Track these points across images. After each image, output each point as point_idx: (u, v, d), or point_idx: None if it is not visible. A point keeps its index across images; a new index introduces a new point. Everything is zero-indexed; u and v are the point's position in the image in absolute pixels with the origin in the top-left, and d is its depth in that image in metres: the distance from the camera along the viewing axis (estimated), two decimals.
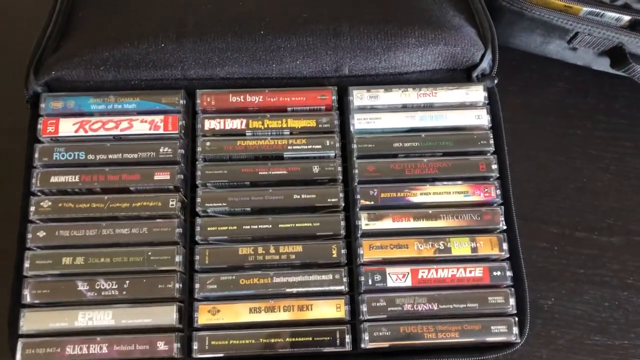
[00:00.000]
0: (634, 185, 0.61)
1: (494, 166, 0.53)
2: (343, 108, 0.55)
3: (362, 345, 0.49)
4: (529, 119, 0.63)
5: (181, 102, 0.53)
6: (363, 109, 0.54)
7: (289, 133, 0.53)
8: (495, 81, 0.55)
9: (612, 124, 0.64)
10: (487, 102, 0.54)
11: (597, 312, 0.57)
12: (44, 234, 0.50)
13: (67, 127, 0.52)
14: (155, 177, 0.51)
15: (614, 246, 0.59)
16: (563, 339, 0.57)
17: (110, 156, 0.52)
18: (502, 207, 0.52)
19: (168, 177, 0.51)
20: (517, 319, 0.50)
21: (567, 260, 0.59)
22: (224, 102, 0.53)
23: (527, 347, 0.53)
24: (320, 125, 0.53)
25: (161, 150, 0.52)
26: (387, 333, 0.49)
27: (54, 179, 0.51)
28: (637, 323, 0.57)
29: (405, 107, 0.54)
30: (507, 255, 0.51)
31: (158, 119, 0.52)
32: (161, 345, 0.48)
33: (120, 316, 0.48)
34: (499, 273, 0.50)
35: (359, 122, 0.53)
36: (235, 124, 0.53)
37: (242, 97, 0.53)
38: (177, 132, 0.52)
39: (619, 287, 0.58)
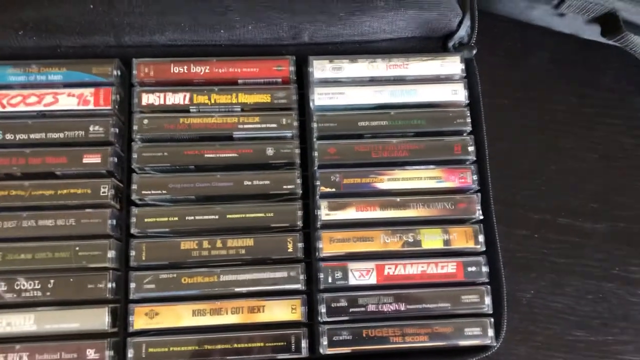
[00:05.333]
0: (621, 167, 0.59)
1: (471, 148, 0.50)
2: (302, 81, 0.52)
3: (321, 351, 0.46)
4: (509, 94, 0.60)
5: (115, 72, 0.50)
6: (325, 83, 0.51)
7: (239, 110, 0.50)
8: (474, 51, 0.53)
9: (600, 99, 0.61)
10: (464, 75, 0.52)
11: (579, 305, 0.55)
12: None
13: None
14: (85, 160, 0.48)
15: (598, 233, 0.57)
16: (542, 335, 0.55)
17: (32, 136, 0.48)
18: (479, 194, 0.50)
19: (99, 160, 0.48)
20: (492, 319, 0.47)
21: (548, 250, 0.57)
22: (165, 73, 0.50)
23: (503, 344, 0.50)
24: (275, 101, 0.50)
25: (91, 128, 0.48)
26: (349, 337, 0.46)
27: None
28: (622, 317, 0.55)
29: (372, 81, 0.52)
30: (484, 249, 0.49)
31: (88, 92, 0.49)
32: (91, 354, 0.45)
33: (44, 321, 0.45)
34: (473, 269, 0.48)
35: (319, 98, 0.50)
36: (178, 98, 0.50)
37: (185, 67, 0.50)
38: (109, 107, 0.49)
39: (603, 278, 0.56)
